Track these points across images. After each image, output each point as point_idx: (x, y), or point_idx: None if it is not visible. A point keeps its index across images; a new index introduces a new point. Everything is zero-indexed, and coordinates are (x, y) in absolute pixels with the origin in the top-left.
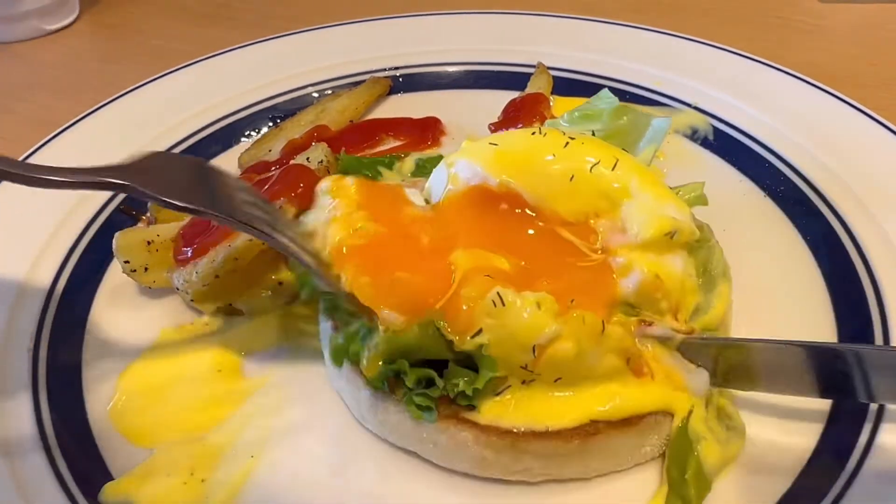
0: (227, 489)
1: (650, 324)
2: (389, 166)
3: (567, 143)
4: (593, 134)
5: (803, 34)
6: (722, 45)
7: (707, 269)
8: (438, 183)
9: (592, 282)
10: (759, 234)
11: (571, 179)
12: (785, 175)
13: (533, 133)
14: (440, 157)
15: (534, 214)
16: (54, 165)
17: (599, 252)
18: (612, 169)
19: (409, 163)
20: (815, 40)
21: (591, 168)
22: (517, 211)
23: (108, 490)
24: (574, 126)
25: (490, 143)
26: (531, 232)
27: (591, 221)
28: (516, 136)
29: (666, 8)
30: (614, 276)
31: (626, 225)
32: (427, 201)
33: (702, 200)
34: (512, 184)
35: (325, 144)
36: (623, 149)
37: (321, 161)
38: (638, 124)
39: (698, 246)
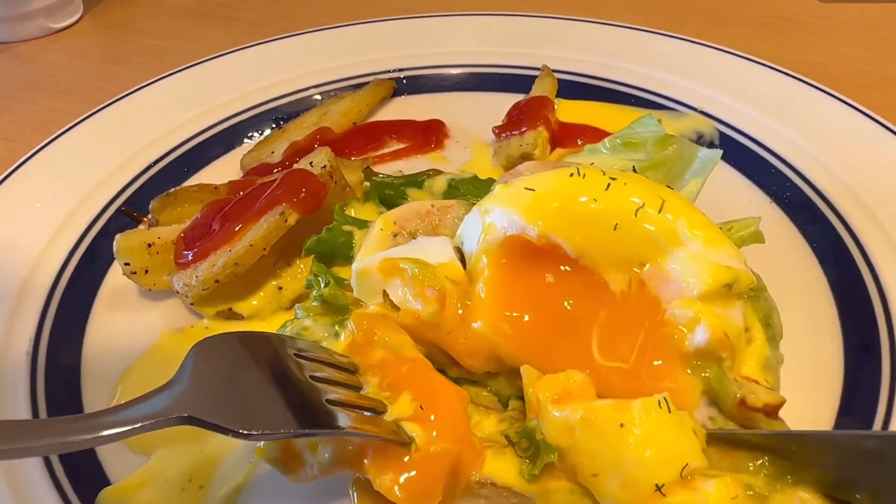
0: (225, 496)
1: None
2: (420, 185)
3: (608, 184)
4: (634, 169)
5: (803, 34)
6: (726, 48)
7: (770, 323)
8: (472, 231)
9: (659, 343)
10: (765, 241)
11: (615, 228)
12: (791, 181)
13: (571, 175)
14: (475, 178)
15: (576, 268)
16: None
17: (656, 306)
18: (658, 211)
19: (440, 182)
20: (815, 40)
21: (636, 213)
22: (563, 268)
23: (106, 495)
24: (615, 154)
25: (526, 188)
26: (585, 299)
27: (638, 270)
28: (554, 180)
29: (666, 8)
30: (677, 332)
31: (677, 275)
32: (458, 249)
33: (758, 238)
34: (551, 236)
35: (328, 149)
36: (667, 181)
37: (324, 166)
38: (684, 155)
39: (755, 296)
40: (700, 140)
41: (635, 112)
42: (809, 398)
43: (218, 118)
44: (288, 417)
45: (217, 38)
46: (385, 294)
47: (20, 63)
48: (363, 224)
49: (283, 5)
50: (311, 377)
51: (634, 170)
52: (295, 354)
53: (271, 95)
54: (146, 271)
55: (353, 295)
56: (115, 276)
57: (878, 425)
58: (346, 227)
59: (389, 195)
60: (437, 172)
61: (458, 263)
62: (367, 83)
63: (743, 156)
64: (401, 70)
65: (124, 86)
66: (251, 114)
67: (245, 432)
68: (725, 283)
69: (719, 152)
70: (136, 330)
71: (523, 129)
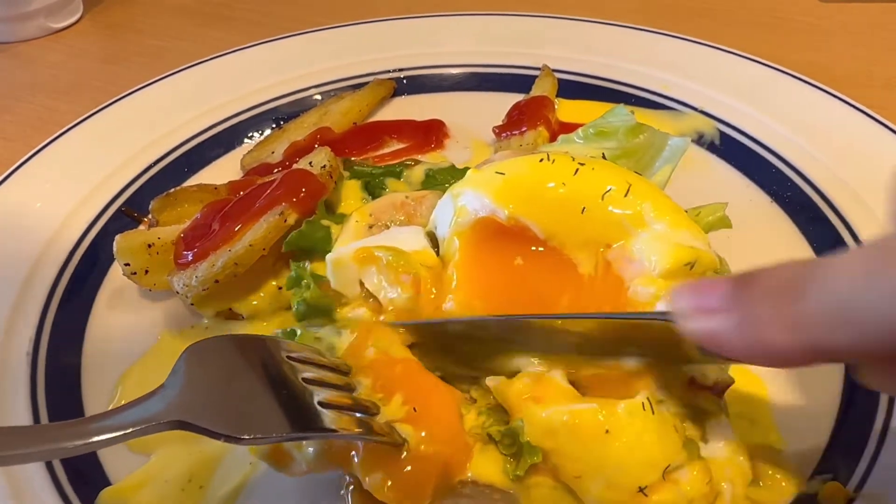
0: (225, 496)
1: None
2: (398, 175)
3: (577, 169)
4: (604, 156)
5: (803, 34)
6: (727, 48)
7: None
8: (445, 215)
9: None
10: (765, 241)
11: (583, 211)
12: (792, 181)
13: (541, 160)
14: (452, 168)
15: (544, 248)
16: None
17: (620, 286)
18: (625, 195)
19: (418, 172)
20: (815, 40)
21: (603, 196)
22: (533, 249)
23: (106, 496)
24: (588, 143)
25: (497, 172)
26: (552, 278)
27: (603, 251)
28: (524, 164)
29: (667, 8)
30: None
31: (640, 255)
32: (432, 234)
33: (724, 223)
34: (521, 218)
35: (328, 149)
36: (638, 169)
37: (324, 165)
38: (654, 143)
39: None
40: (701, 140)
41: (635, 112)
42: (809, 398)
43: (218, 118)
44: (280, 420)
45: (217, 38)
46: (361, 284)
47: (20, 63)
48: (341, 218)
49: (283, 5)
50: (303, 379)
51: (604, 157)
52: (288, 357)
53: (271, 95)
54: (146, 272)
55: (333, 293)
56: (115, 277)
57: (878, 425)
58: (325, 221)
59: (371, 185)
60: (416, 162)
61: (431, 250)
62: (367, 83)
63: (743, 156)
64: (401, 70)
65: (124, 86)
66: (251, 114)
67: (236, 436)
68: (687, 262)
69: (688, 140)
70: (136, 330)
71: (523, 128)
